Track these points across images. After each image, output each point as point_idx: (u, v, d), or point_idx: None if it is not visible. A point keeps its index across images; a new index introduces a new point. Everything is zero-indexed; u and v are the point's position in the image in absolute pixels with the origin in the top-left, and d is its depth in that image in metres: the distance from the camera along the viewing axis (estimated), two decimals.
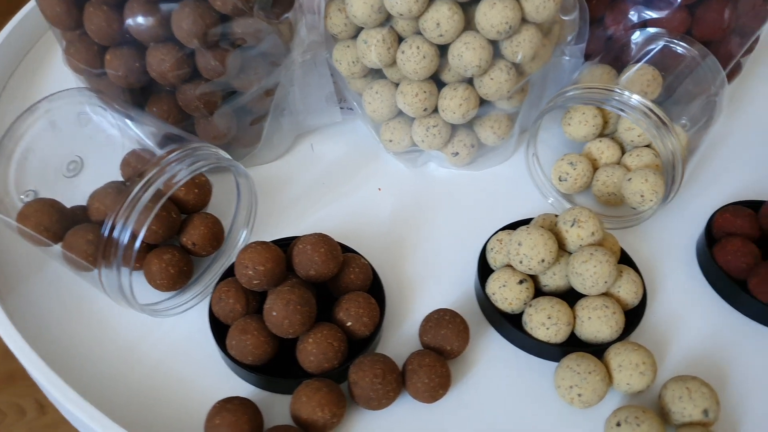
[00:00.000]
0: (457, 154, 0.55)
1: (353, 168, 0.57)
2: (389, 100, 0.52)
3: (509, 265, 0.45)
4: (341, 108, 0.58)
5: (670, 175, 0.47)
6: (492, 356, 0.44)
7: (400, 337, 0.45)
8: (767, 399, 0.42)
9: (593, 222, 0.44)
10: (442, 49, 0.49)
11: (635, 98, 0.47)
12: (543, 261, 0.43)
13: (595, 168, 0.54)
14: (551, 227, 0.46)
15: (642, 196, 0.49)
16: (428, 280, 0.48)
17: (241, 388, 0.41)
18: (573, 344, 0.43)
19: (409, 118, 0.54)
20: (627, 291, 0.44)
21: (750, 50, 0.57)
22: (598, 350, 0.42)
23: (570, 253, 0.45)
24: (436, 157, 0.56)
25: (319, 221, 0.52)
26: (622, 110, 0.46)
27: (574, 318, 0.43)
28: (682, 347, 0.45)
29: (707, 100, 0.54)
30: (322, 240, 0.42)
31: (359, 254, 0.46)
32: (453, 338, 0.41)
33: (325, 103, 0.56)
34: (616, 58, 0.54)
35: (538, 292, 0.45)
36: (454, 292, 0.47)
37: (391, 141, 0.55)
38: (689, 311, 0.47)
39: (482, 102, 0.52)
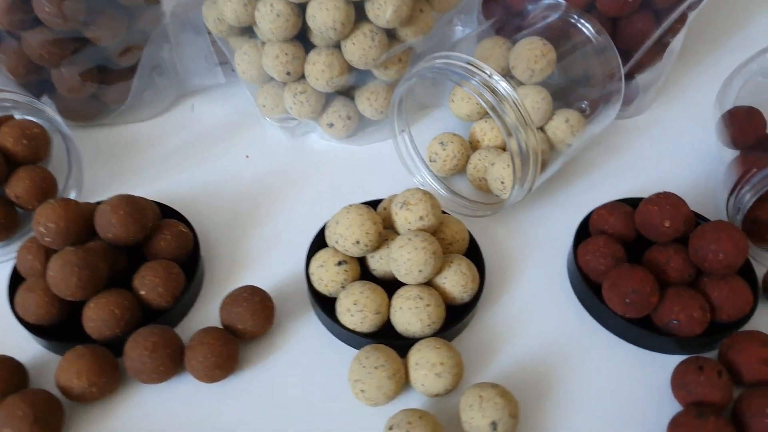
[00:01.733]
0: (332, 125, 0.51)
1: (230, 132, 0.54)
2: (257, 61, 0.49)
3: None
4: (225, 69, 0.55)
5: (529, 164, 0.42)
6: (303, 341, 0.41)
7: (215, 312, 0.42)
8: (590, 420, 0.37)
9: (424, 205, 0.40)
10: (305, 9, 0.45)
11: (495, 78, 0.42)
12: (358, 243, 0.39)
13: (476, 150, 0.49)
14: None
15: (502, 182, 0.44)
16: (268, 255, 0.45)
17: (30, 347, 0.40)
18: (389, 336, 0.39)
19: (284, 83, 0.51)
20: (453, 283, 0.40)
21: (674, 31, 0.51)
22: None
23: None
24: (318, 128, 0.53)
25: (177, 183, 0.50)
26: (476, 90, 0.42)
27: (390, 307, 0.39)
28: (518, 352, 0.40)
29: (612, 84, 0.48)
30: (124, 202, 0.40)
31: (183, 222, 0.44)
32: (247, 317, 0.38)
33: (204, 62, 0.54)
34: (512, 29, 0.49)
35: (368, 276, 0.42)
36: (291, 269, 0.44)
37: (264, 106, 0.52)
38: (541, 313, 0.42)
39: (360, 71, 0.49)
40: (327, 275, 0.40)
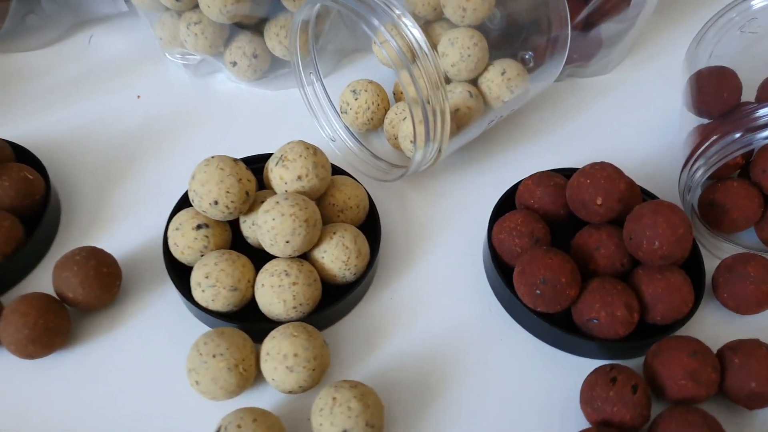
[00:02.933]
0: (235, 63, 0.44)
1: (126, 68, 0.47)
2: None
3: None
4: None
5: (435, 123, 0.35)
6: (154, 316, 0.34)
7: None
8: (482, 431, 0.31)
9: (303, 162, 0.33)
10: None
11: (405, 21, 0.34)
12: (217, 203, 0.32)
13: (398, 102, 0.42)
14: None
15: (412, 141, 0.37)
16: (136, 213, 0.39)
17: None
18: (252, 318, 0.33)
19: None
20: (333, 258, 0.33)
21: None
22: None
23: None
24: (224, 67, 0.46)
25: (52, 123, 0.43)
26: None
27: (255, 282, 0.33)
28: (407, 344, 0.34)
29: (558, 31, 0.40)
30: None
31: (36, 167, 0.37)
32: (76, 284, 0.32)
33: None
34: None
35: (240, 245, 0.35)
36: (156, 230, 0.38)
37: (162, 39, 0.45)
38: (444, 300, 0.36)
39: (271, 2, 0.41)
40: (183, 240, 0.33)
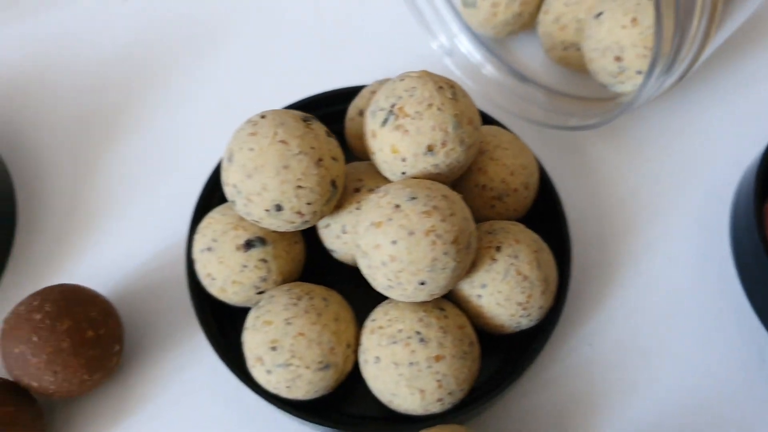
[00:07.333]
0: None
1: None
2: None
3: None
4: None
5: (694, 10, 0.18)
6: (179, 399, 0.20)
7: None
8: None
9: (437, 119, 0.17)
10: None
11: None
12: (280, 209, 0.17)
13: None
14: None
15: (618, 57, 0.20)
16: (132, 207, 0.24)
17: None
18: (352, 411, 0.19)
19: None
20: (501, 300, 0.18)
21: None
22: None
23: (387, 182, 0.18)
24: None
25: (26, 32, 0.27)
26: None
27: (358, 347, 0.18)
28: (629, 424, 0.19)
29: None
30: None
31: None
32: (40, 367, 0.18)
33: None
34: None
35: (318, 259, 0.20)
36: (170, 242, 0.22)
37: None
38: (679, 337, 0.20)
39: None
40: (223, 270, 0.18)
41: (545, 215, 0.21)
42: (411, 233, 0.16)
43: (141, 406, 0.20)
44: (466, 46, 0.25)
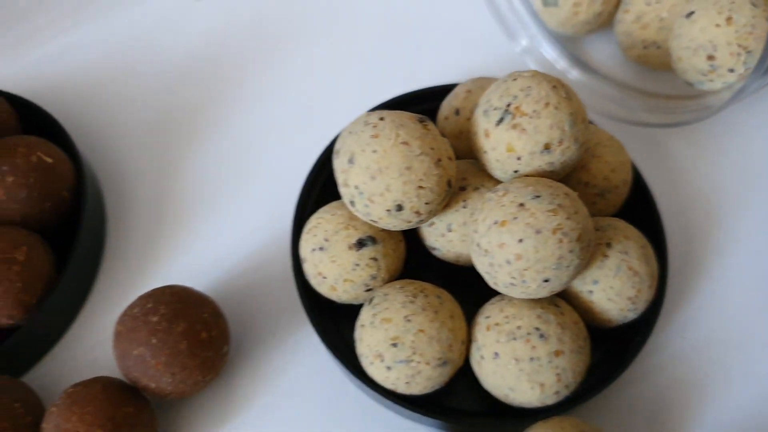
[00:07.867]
0: None
1: None
2: None
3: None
4: None
5: None
6: (289, 397, 0.20)
7: None
8: None
9: (554, 117, 0.17)
10: None
11: None
12: (401, 209, 0.17)
13: None
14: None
15: (711, 56, 0.21)
16: (229, 204, 0.24)
17: None
18: (465, 406, 0.19)
19: None
20: (613, 294, 0.18)
21: None
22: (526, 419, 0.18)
23: (494, 184, 0.19)
24: None
25: (64, 53, 0.27)
26: None
27: (470, 343, 0.18)
28: (729, 415, 0.20)
29: None
30: None
31: (55, 139, 0.22)
32: (161, 370, 0.18)
33: None
34: None
35: (419, 256, 0.20)
36: (273, 241, 0.23)
37: None
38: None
39: None
40: (334, 269, 0.19)
41: (636, 211, 0.21)
42: (538, 231, 0.16)
43: (247, 405, 0.20)
44: (550, 53, 0.25)
